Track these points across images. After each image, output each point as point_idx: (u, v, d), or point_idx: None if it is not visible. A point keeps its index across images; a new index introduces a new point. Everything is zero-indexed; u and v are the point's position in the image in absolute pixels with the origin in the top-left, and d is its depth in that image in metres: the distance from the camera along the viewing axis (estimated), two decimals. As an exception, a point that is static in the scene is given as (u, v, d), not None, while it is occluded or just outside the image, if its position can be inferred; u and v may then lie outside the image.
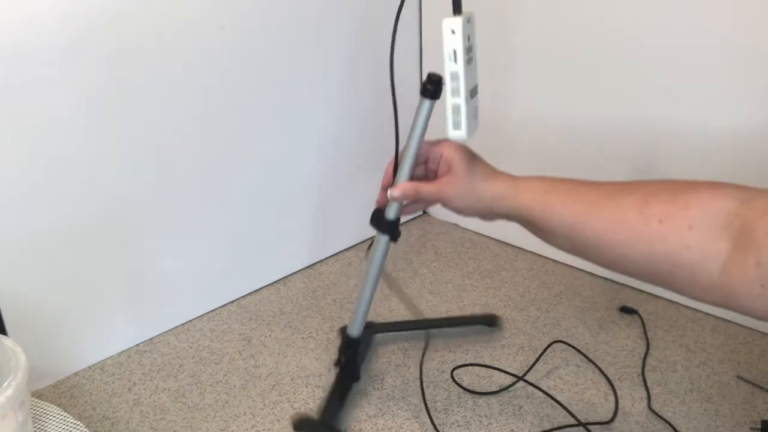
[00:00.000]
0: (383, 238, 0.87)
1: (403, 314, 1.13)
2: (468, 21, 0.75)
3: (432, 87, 0.77)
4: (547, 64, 1.16)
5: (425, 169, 0.80)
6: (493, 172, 0.75)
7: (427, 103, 0.78)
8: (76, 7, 0.87)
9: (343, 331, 0.96)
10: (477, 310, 1.12)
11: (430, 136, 0.80)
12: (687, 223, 0.58)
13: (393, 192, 0.79)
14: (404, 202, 0.82)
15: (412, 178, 0.80)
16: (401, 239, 1.35)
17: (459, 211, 0.77)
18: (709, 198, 0.58)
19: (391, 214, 0.85)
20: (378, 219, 0.85)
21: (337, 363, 0.97)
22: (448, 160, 0.76)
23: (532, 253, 1.30)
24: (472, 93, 0.77)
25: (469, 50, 0.75)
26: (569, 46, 1.12)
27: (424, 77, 0.79)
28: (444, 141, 0.78)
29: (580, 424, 0.87)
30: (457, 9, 0.74)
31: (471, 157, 0.76)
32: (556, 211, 0.67)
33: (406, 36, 1.30)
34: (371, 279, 0.90)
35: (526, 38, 1.17)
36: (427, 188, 0.77)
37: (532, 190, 0.70)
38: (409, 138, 0.80)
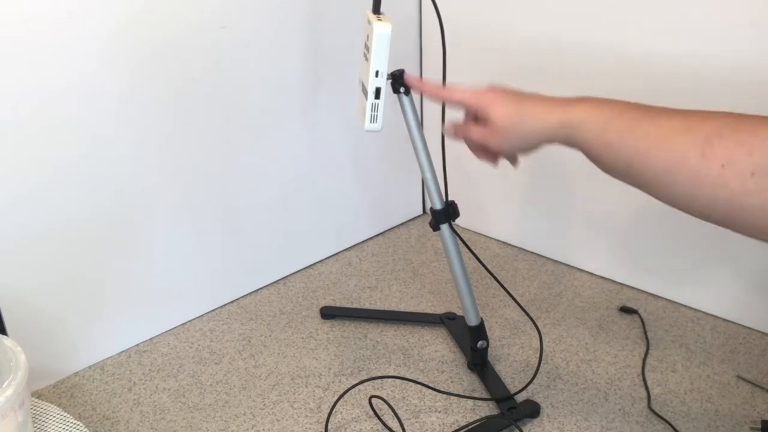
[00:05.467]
0: (444, 228, 0.91)
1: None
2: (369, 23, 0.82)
3: (402, 83, 0.85)
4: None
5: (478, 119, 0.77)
6: (541, 111, 0.70)
7: (405, 99, 0.86)
8: (76, 7, 0.87)
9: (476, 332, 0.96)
10: (477, 310, 1.12)
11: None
12: (750, 168, 0.56)
13: (446, 129, 0.82)
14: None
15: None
16: (401, 239, 1.35)
17: (513, 152, 0.75)
18: None
19: (437, 205, 0.90)
20: (433, 221, 0.91)
21: (474, 361, 0.99)
22: (488, 113, 0.73)
23: (532, 253, 1.30)
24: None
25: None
26: None
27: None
28: (483, 92, 0.74)
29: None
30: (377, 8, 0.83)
31: (514, 103, 0.72)
32: (614, 149, 0.65)
33: (406, 35, 1.30)
34: (458, 268, 0.92)
35: None
36: (475, 132, 0.75)
37: (589, 125, 0.66)
38: (411, 137, 0.86)
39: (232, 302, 1.18)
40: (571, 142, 0.69)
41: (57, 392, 0.98)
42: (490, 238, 1.36)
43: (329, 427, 0.89)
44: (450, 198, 0.91)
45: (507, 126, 0.70)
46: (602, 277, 1.21)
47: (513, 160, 0.81)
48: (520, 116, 0.70)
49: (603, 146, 0.66)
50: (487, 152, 0.81)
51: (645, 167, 0.62)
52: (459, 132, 0.79)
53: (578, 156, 1.20)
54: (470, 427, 0.88)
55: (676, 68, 1.01)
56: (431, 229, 0.92)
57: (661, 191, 0.63)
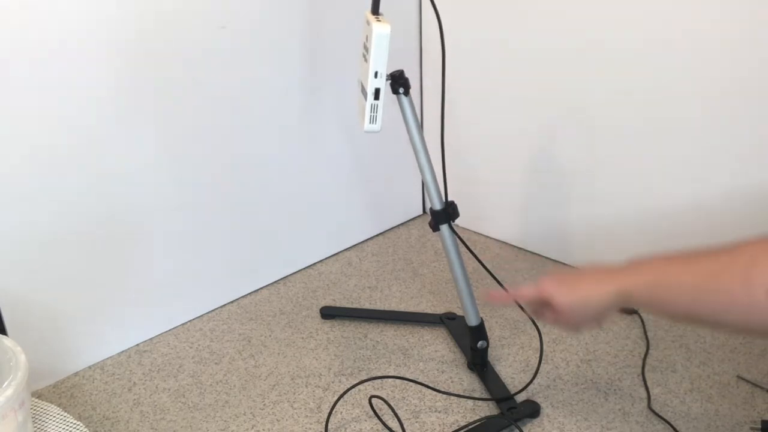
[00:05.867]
0: (444, 229, 0.91)
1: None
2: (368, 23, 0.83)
3: (401, 83, 0.85)
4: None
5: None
6: (595, 290, 0.75)
7: (404, 99, 0.86)
8: (75, 8, 0.87)
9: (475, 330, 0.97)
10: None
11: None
12: None
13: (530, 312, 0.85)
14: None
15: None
16: (401, 239, 1.35)
17: (586, 325, 0.81)
18: None
19: (436, 205, 0.91)
20: (433, 222, 0.92)
21: (474, 361, 0.99)
22: (552, 303, 0.78)
23: (532, 253, 1.30)
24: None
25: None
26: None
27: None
28: (543, 285, 0.79)
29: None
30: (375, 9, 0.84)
31: (571, 288, 0.77)
32: (667, 306, 0.71)
33: (406, 36, 1.30)
34: (457, 268, 0.93)
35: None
36: (548, 317, 0.80)
37: (640, 292, 0.72)
38: (410, 137, 0.86)
39: (232, 302, 1.18)
40: (629, 306, 0.75)
41: (57, 392, 0.98)
42: (490, 238, 1.36)
43: (329, 427, 0.89)
44: (450, 198, 0.91)
45: (570, 310, 0.76)
46: (602, 277, 1.21)
47: (591, 327, 0.85)
48: (579, 297, 0.76)
49: (657, 305, 0.71)
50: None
51: (701, 314, 0.68)
52: (537, 316, 0.83)
53: (578, 156, 1.20)
54: (470, 427, 0.88)
55: (674, 70, 1.01)
56: (431, 229, 0.92)
57: (724, 326, 0.72)
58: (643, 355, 1.01)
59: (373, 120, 0.84)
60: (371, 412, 0.91)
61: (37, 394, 0.96)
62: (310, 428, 0.90)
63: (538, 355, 0.98)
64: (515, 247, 1.32)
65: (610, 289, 0.73)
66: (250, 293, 1.20)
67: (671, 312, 0.73)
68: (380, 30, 0.80)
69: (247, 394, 0.96)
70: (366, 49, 0.83)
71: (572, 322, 0.78)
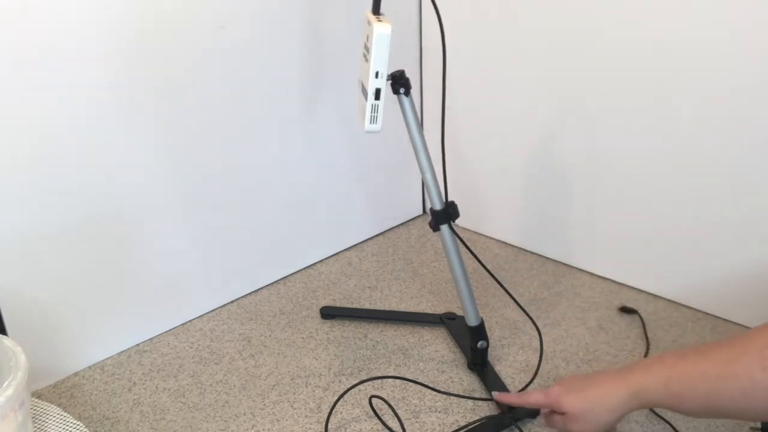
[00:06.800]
0: (444, 229, 0.91)
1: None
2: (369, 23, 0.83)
3: (402, 83, 0.86)
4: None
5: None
6: (606, 393, 0.75)
7: (405, 99, 0.86)
8: (75, 8, 0.87)
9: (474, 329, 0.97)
10: (477, 310, 1.12)
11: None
12: None
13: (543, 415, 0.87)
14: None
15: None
16: (401, 239, 1.35)
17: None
18: None
19: (436, 205, 0.91)
20: (433, 222, 0.92)
21: (474, 361, 0.99)
22: (561, 408, 0.78)
23: (532, 253, 1.30)
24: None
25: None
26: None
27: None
28: (552, 390, 0.80)
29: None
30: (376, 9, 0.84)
31: (580, 392, 0.77)
32: (684, 399, 0.69)
33: (406, 35, 1.30)
34: (458, 268, 0.93)
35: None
36: (557, 421, 0.81)
37: (653, 389, 0.71)
38: (411, 137, 0.87)
39: (232, 302, 1.18)
40: (644, 407, 0.74)
41: (57, 392, 0.98)
42: (490, 238, 1.36)
43: (329, 427, 0.89)
44: (450, 198, 0.91)
45: (580, 414, 0.76)
46: (602, 277, 1.21)
47: None
48: (590, 403, 0.76)
49: (674, 401, 0.70)
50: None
51: (721, 403, 0.66)
52: (548, 422, 0.84)
53: (578, 156, 1.20)
54: (470, 427, 0.88)
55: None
56: (431, 230, 0.92)
57: (745, 413, 0.67)
58: (643, 355, 1.01)
59: (373, 120, 0.84)
60: (371, 412, 0.91)
61: (37, 394, 0.96)
62: (310, 428, 0.90)
63: (538, 355, 0.98)
64: (515, 247, 1.32)
65: (623, 393, 0.72)
66: (250, 293, 1.20)
67: (691, 407, 0.70)
68: (381, 30, 0.80)
69: (247, 394, 0.96)
70: (366, 49, 0.83)
71: (582, 429, 0.77)
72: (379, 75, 0.82)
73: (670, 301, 1.14)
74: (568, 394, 0.78)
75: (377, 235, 1.38)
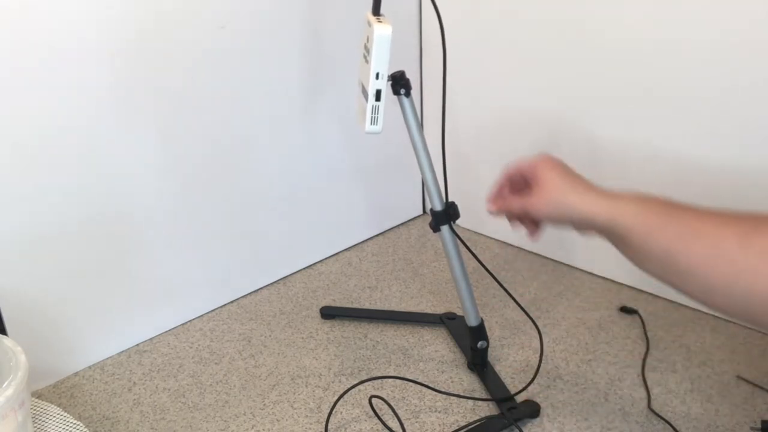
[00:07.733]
0: (444, 230, 0.91)
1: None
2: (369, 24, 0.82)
3: (402, 84, 0.85)
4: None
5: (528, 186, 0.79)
6: (587, 187, 0.73)
7: (405, 100, 0.86)
8: (74, 8, 0.87)
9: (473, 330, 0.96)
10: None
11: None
12: None
13: (489, 208, 0.84)
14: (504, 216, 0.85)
15: (513, 193, 0.82)
16: (401, 239, 1.35)
17: (551, 222, 0.76)
18: None
19: (437, 206, 0.90)
20: (433, 222, 0.92)
21: (474, 361, 0.99)
22: (540, 174, 0.76)
23: (532, 253, 1.30)
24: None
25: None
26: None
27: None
28: (538, 158, 0.77)
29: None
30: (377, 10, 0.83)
31: (563, 171, 0.75)
32: (654, 233, 0.65)
33: (406, 35, 1.30)
34: (458, 269, 0.93)
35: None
36: (516, 202, 0.79)
37: (631, 207, 0.68)
38: (411, 138, 0.87)
39: (232, 302, 1.18)
40: (609, 223, 0.69)
41: (57, 392, 0.98)
42: (490, 238, 1.36)
43: (329, 427, 0.89)
44: (450, 199, 0.91)
45: (556, 190, 0.73)
46: (602, 277, 1.21)
47: (537, 228, 0.81)
48: (573, 187, 0.73)
49: (643, 230, 0.66)
50: (526, 220, 0.83)
51: (682, 255, 0.62)
52: (501, 206, 0.82)
53: (578, 156, 1.20)
54: (470, 427, 0.88)
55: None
56: (431, 230, 0.92)
57: (698, 283, 0.63)
58: (643, 355, 1.01)
59: (374, 121, 0.84)
60: (371, 412, 0.91)
61: (37, 394, 0.96)
62: (310, 428, 0.90)
63: (538, 355, 0.98)
64: (515, 247, 1.32)
65: (600, 218, 0.69)
66: (250, 293, 1.20)
67: (650, 247, 0.65)
68: (382, 31, 0.80)
69: (247, 394, 0.96)
70: (367, 50, 0.83)
71: (543, 208, 0.74)
72: (380, 76, 0.82)
73: (670, 301, 1.14)
74: (556, 166, 0.75)
75: (377, 235, 1.38)
